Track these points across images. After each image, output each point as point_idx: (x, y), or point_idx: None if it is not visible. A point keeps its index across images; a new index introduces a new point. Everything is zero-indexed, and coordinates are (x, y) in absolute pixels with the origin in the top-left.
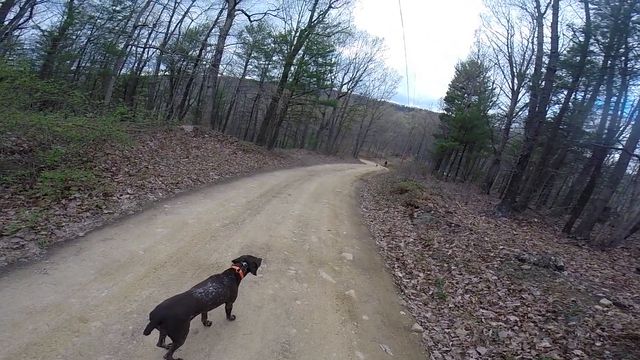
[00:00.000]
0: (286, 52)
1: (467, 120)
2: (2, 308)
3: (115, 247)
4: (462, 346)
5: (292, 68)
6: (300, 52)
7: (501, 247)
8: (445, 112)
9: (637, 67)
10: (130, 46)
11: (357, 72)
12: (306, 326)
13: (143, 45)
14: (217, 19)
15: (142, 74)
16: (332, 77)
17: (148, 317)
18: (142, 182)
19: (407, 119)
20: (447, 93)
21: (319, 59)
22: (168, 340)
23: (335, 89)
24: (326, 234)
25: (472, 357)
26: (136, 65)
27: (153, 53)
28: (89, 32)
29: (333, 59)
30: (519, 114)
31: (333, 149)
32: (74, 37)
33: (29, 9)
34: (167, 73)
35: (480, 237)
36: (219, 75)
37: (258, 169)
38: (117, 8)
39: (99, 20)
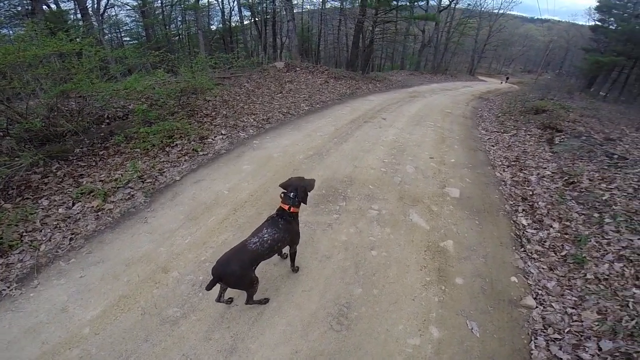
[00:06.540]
0: None
1: (637, 32)
2: (110, 260)
3: (204, 188)
4: (580, 335)
5: None
6: None
7: None
8: (599, 23)
9: None
10: None
11: None
12: (376, 286)
13: None
14: None
15: (233, 24)
16: None
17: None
18: (235, 122)
19: (540, 32)
20: (600, 2)
21: None
22: (227, 295)
23: (434, 2)
24: (427, 162)
25: (587, 352)
26: (221, 17)
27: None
28: None
29: None
30: None
31: (441, 67)
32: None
33: None
34: (252, 20)
35: None
36: (297, 9)
37: (350, 94)
38: None
39: None
